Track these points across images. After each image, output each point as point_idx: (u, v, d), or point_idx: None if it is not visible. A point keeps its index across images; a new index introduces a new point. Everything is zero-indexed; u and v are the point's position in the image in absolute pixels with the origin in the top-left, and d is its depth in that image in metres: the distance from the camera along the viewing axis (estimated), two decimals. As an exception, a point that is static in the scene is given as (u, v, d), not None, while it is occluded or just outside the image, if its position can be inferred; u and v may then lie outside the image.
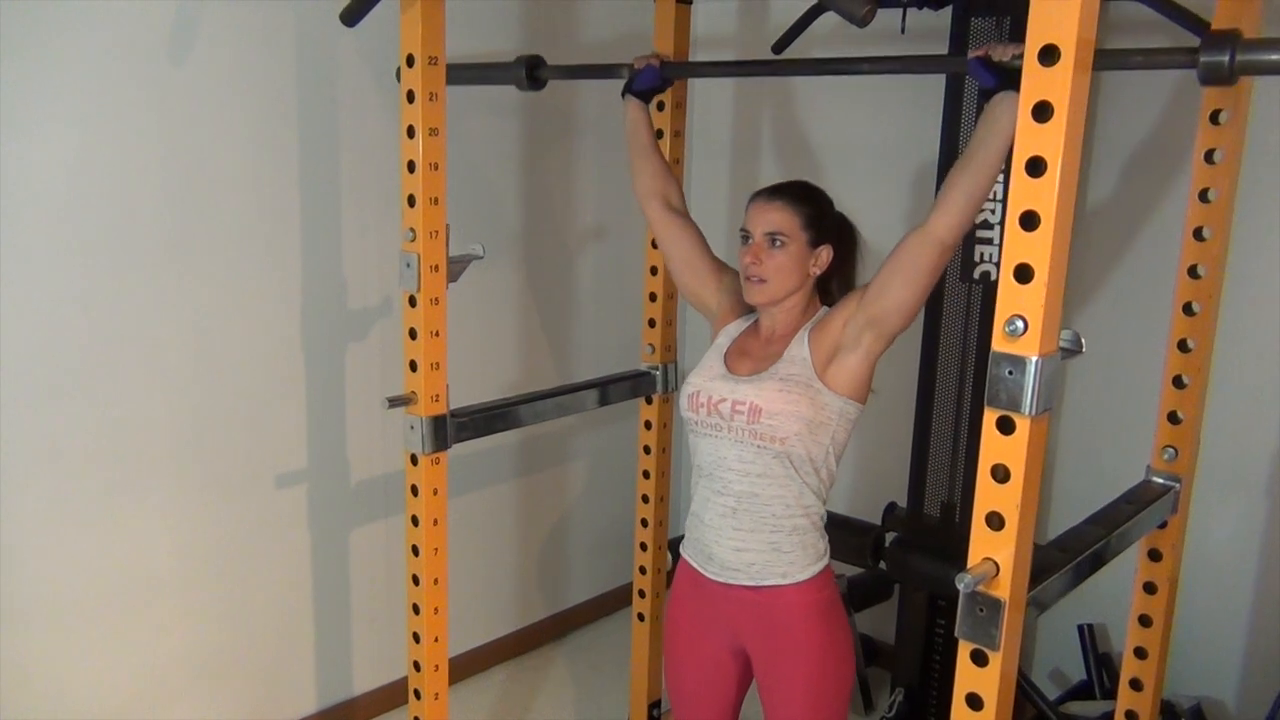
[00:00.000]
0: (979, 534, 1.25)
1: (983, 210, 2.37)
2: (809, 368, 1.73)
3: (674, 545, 2.56)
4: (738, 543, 1.78)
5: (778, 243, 1.76)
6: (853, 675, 1.85)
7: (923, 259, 1.61)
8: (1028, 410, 1.18)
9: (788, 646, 1.78)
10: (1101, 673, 2.67)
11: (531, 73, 2.23)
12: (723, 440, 1.77)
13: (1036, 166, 1.13)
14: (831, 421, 1.74)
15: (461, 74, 2.16)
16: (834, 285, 1.86)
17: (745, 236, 1.80)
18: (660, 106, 2.37)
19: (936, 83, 2.42)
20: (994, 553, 1.24)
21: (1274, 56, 1.36)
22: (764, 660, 1.83)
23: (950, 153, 2.40)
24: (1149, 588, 1.89)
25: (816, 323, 1.79)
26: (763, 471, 1.74)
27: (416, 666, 2.17)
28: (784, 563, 1.76)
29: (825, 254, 1.79)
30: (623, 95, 2.13)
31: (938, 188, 2.43)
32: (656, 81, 2.09)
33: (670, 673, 1.98)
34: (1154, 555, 1.88)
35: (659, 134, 2.38)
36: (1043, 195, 1.13)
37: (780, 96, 3.24)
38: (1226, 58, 1.36)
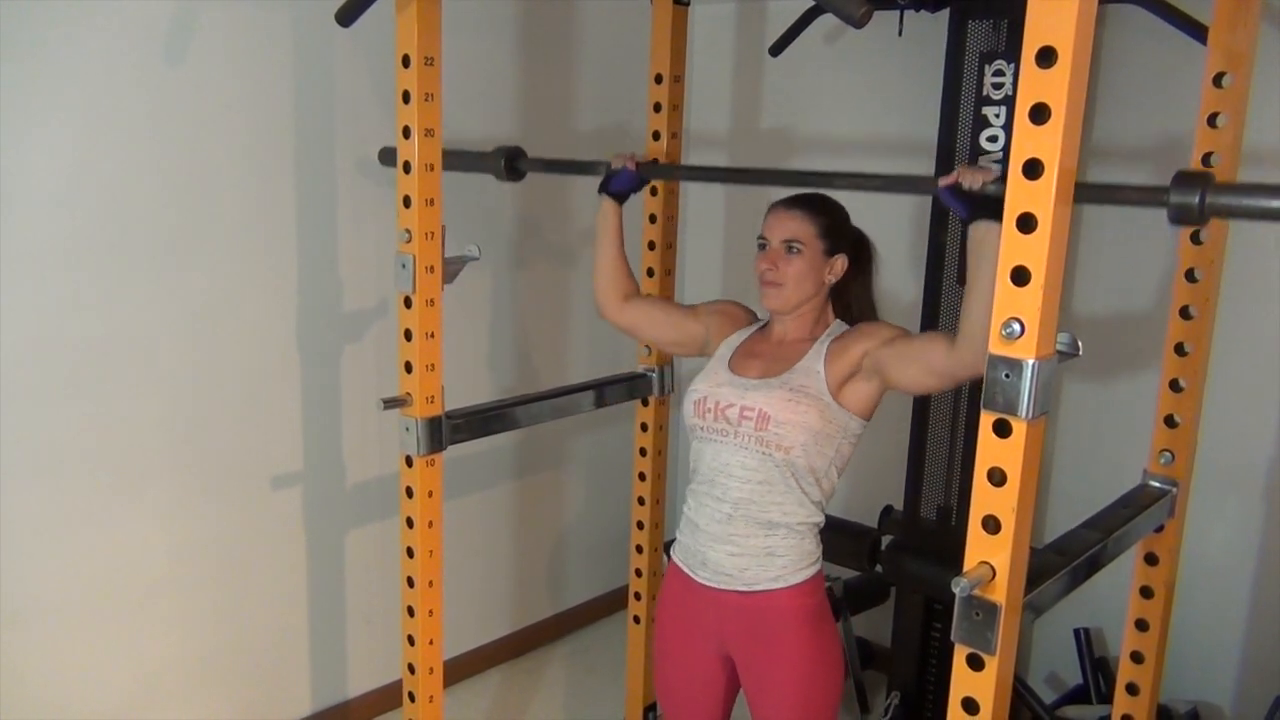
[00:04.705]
0: (975, 537, 1.24)
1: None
2: (821, 382, 1.75)
3: (669, 547, 2.55)
4: (733, 547, 1.78)
5: (794, 249, 1.78)
6: (841, 682, 1.85)
7: (946, 368, 1.62)
8: (1024, 413, 1.17)
9: (777, 653, 1.78)
10: (1098, 677, 2.67)
11: (511, 164, 2.16)
12: (727, 445, 1.78)
13: (1034, 168, 1.13)
14: (837, 435, 1.75)
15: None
16: (850, 297, 1.88)
17: (762, 244, 1.82)
18: (658, 110, 2.36)
19: (934, 86, 2.42)
20: (990, 556, 1.23)
21: (1244, 201, 1.28)
22: (751, 667, 1.82)
23: (947, 157, 2.39)
24: (1145, 592, 1.89)
25: (835, 338, 1.80)
26: (764, 479, 1.75)
27: (411, 669, 2.16)
28: (777, 567, 1.76)
29: (840, 263, 1.82)
30: (599, 192, 2.04)
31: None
32: (633, 184, 2.02)
33: (659, 679, 1.98)
34: (1151, 559, 1.88)
35: (656, 137, 2.37)
36: (1039, 197, 1.13)
37: (779, 98, 3.24)
38: (1196, 199, 1.28)
